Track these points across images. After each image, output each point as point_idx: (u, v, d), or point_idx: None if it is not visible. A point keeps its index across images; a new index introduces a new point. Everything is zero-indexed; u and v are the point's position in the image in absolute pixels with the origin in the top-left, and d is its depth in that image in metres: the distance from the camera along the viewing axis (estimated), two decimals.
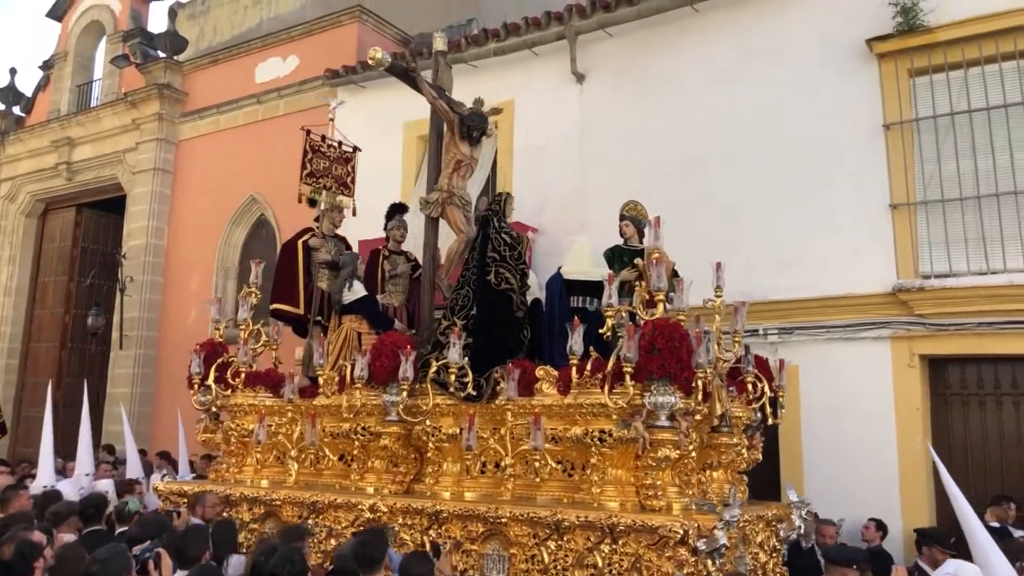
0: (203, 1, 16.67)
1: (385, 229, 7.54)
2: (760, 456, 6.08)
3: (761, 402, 5.67)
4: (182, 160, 12.89)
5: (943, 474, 5.21)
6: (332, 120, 7.72)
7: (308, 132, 7.57)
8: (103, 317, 13.06)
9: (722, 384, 5.29)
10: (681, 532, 4.44)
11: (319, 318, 7.11)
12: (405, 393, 5.59)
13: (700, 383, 4.91)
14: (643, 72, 8.79)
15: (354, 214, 7.83)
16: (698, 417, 5.11)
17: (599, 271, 6.09)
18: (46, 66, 15.12)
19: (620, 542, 4.67)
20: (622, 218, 6.65)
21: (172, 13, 14.68)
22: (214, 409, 6.79)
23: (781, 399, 5.83)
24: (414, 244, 7.45)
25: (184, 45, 13.73)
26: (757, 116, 7.94)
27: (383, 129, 10.41)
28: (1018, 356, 6.81)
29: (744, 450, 5.74)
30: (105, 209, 14.19)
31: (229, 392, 6.73)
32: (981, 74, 7.17)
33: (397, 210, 7.59)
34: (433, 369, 5.64)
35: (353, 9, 11.51)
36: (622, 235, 6.63)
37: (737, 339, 5.54)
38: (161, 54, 13.30)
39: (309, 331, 7.16)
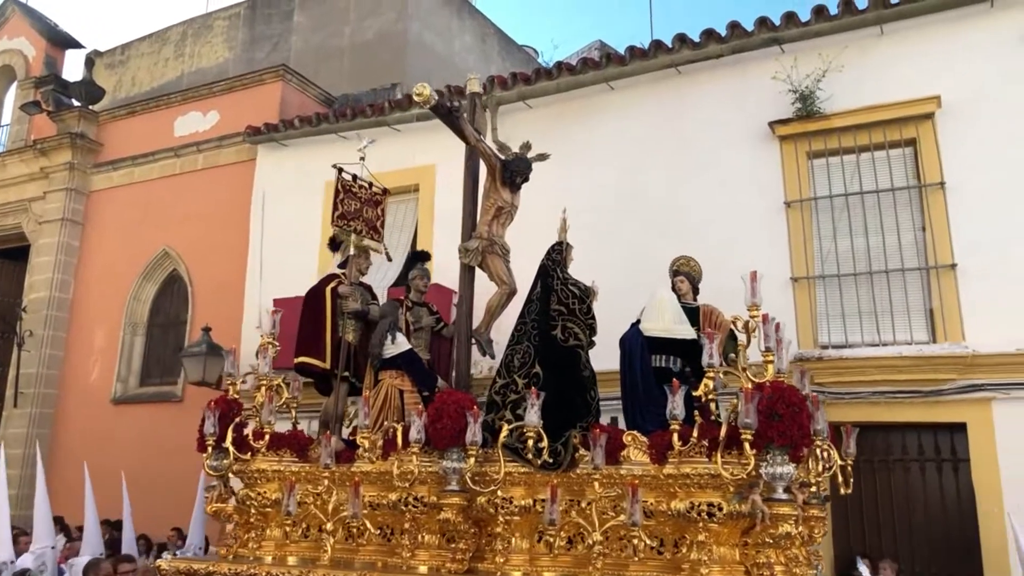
0: (123, 51, 16.54)
1: (407, 279, 7.00)
2: (827, 529, 5.81)
3: (832, 471, 5.32)
4: (92, 211, 12.53)
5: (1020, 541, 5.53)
6: (363, 159, 6.99)
7: (340, 170, 6.84)
8: None
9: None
10: None
11: (346, 373, 6.51)
12: (473, 459, 5.03)
13: (818, 452, 4.61)
14: (560, 143, 9.01)
15: (389, 259, 7.34)
16: (813, 489, 4.89)
17: (683, 328, 5.71)
18: None
19: None
20: (675, 274, 6.44)
21: (89, 61, 14.49)
22: (230, 475, 6.06)
23: (850, 466, 5.40)
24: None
25: (100, 94, 13.49)
26: (668, 190, 8.32)
27: (304, 189, 10.43)
28: (908, 424, 7.22)
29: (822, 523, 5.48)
30: (4, 258, 13.62)
31: (248, 456, 5.98)
32: (871, 159, 7.73)
33: (419, 258, 7.07)
34: (504, 433, 5.13)
35: (277, 68, 11.60)
36: (675, 291, 6.33)
37: None
38: (75, 102, 13.00)
39: (335, 388, 6.53)
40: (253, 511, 5.94)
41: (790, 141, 7.97)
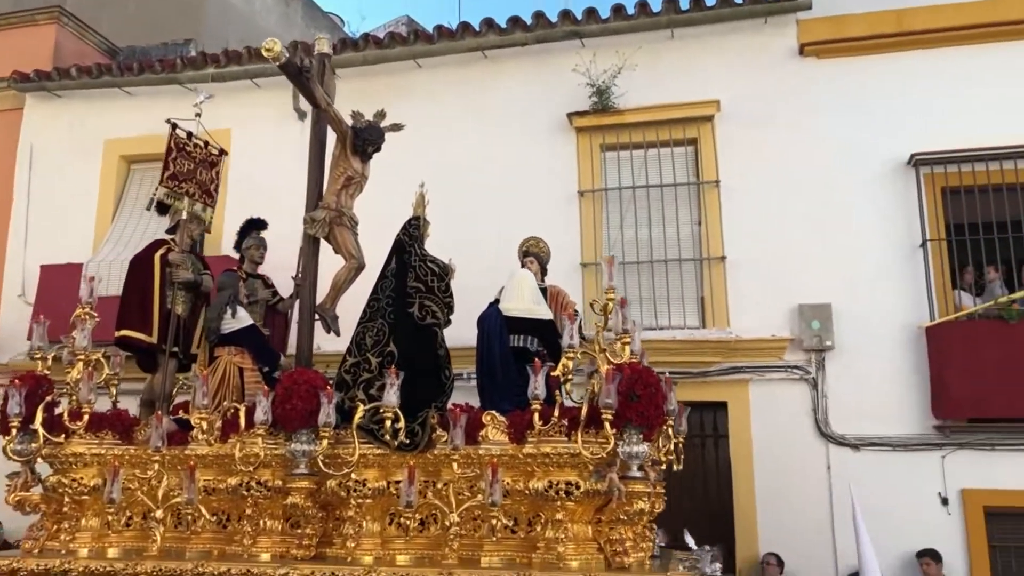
0: None
1: (240, 248, 6.53)
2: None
3: (666, 448, 5.38)
4: None
5: (858, 518, 5.93)
6: (199, 115, 6.37)
7: (174, 126, 6.26)
8: None
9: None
10: None
11: (175, 349, 6.04)
12: (325, 442, 4.82)
13: (670, 431, 4.78)
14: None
15: (208, 230, 6.78)
16: (663, 467, 5.01)
17: (542, 309, 5.75)
18: None
19: None
20: (525, 254, 6.39)
21: None
22: (40, 460, 5.39)
23: (681, 443, 5.52)
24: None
25: None
26: (469, 171, 8.44)
27: (80, 146, 9.60)
28: (679, 403, 7.82)
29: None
30: None
31: (62, 438, 5.40)
32: (657, 155, 8.27)
33: (254, 226, 6.59)
34: (360, 413, 4.96)
35: (52, 9, 10.49)
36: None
37: None
38: None
39: (163, 364, 6.02)
40: (67, 500, 5.41)
41: (586, 133, 8.35)
